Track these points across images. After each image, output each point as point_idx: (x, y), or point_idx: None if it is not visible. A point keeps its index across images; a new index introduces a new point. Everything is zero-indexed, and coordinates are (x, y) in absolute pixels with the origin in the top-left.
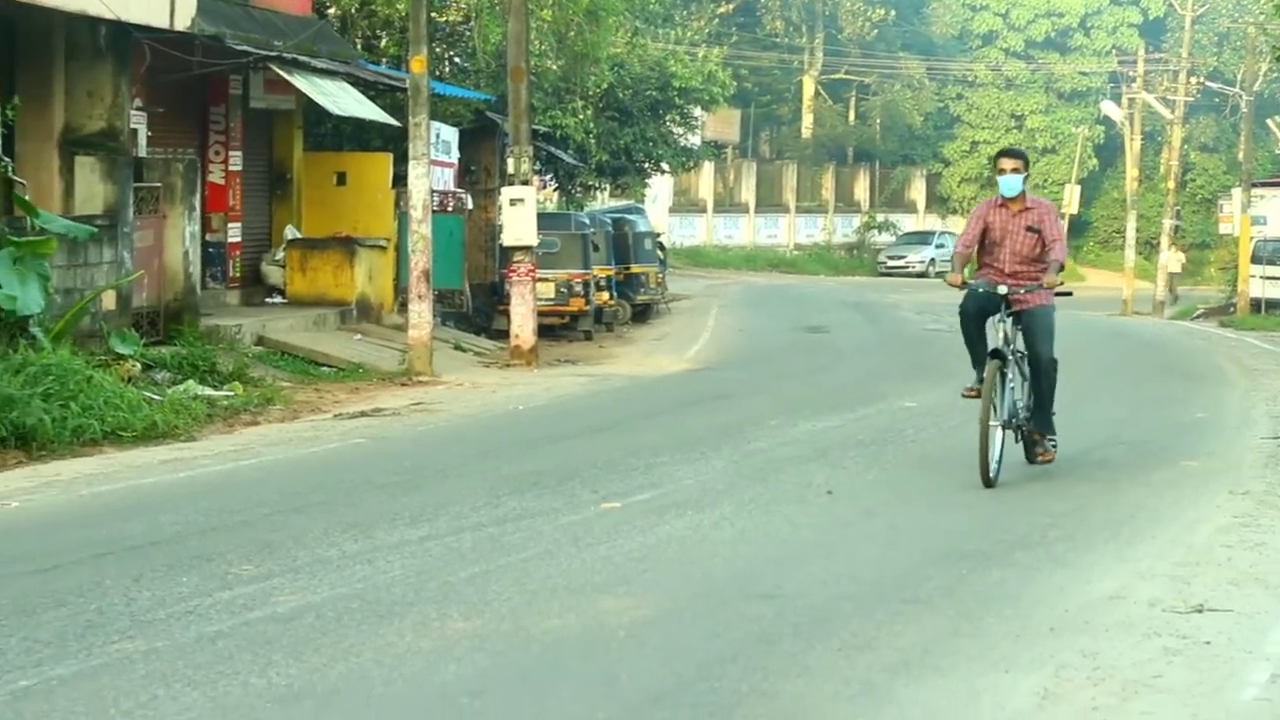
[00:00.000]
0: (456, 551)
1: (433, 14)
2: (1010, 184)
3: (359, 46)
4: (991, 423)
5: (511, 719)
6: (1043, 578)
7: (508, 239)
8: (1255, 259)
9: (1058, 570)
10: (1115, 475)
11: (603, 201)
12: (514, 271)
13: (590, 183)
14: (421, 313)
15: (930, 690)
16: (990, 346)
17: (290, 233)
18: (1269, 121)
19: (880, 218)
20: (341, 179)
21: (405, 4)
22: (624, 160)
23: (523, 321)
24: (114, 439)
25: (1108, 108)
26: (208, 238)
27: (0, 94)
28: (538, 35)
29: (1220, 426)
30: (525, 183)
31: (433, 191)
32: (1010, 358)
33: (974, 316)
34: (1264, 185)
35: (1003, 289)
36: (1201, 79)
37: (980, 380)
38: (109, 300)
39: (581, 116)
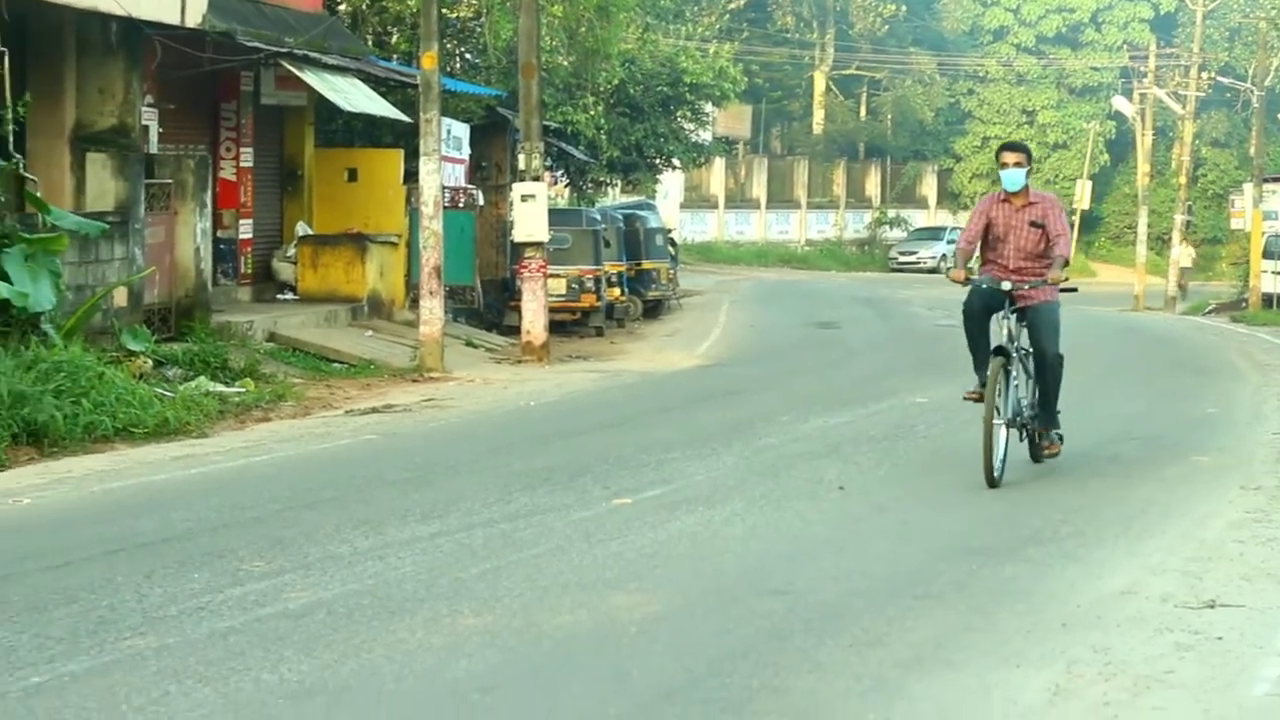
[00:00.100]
0: (468, 548)
1: (444, 10)
2: (1013, 178)
3: (370, 43)
4: (995, 422)
5: (523, 715)
6: (1054, 573)
7: (519, 235)
8: (1267, 254)
9: (1069, 566)
10: (1127, 470)
11: (614, 197)
12: (525, 267)
13: (601, 179)
14: (433, 309)
15: (942, 685)
16: (994, 344)
17: (302, 229)
18: None
19: (891, 213)
20: (353, 175)
21: (416, 0)
22: (635, 156)
23: (534, 317)
24: (125, 435)
25: (1119, 103)
26: (219, 234)
27: (12, 91)
28: (549, 31)
29: (1232, 422)
30: (536, 179)
31: (444, 188)
32: (1014, 355)
33: (977, 316)
34: (1275, 180)
35: (1006, 285)
36: (1213, 74)
37: (982, 383)
38: (120, 297)
39: (593, 112)
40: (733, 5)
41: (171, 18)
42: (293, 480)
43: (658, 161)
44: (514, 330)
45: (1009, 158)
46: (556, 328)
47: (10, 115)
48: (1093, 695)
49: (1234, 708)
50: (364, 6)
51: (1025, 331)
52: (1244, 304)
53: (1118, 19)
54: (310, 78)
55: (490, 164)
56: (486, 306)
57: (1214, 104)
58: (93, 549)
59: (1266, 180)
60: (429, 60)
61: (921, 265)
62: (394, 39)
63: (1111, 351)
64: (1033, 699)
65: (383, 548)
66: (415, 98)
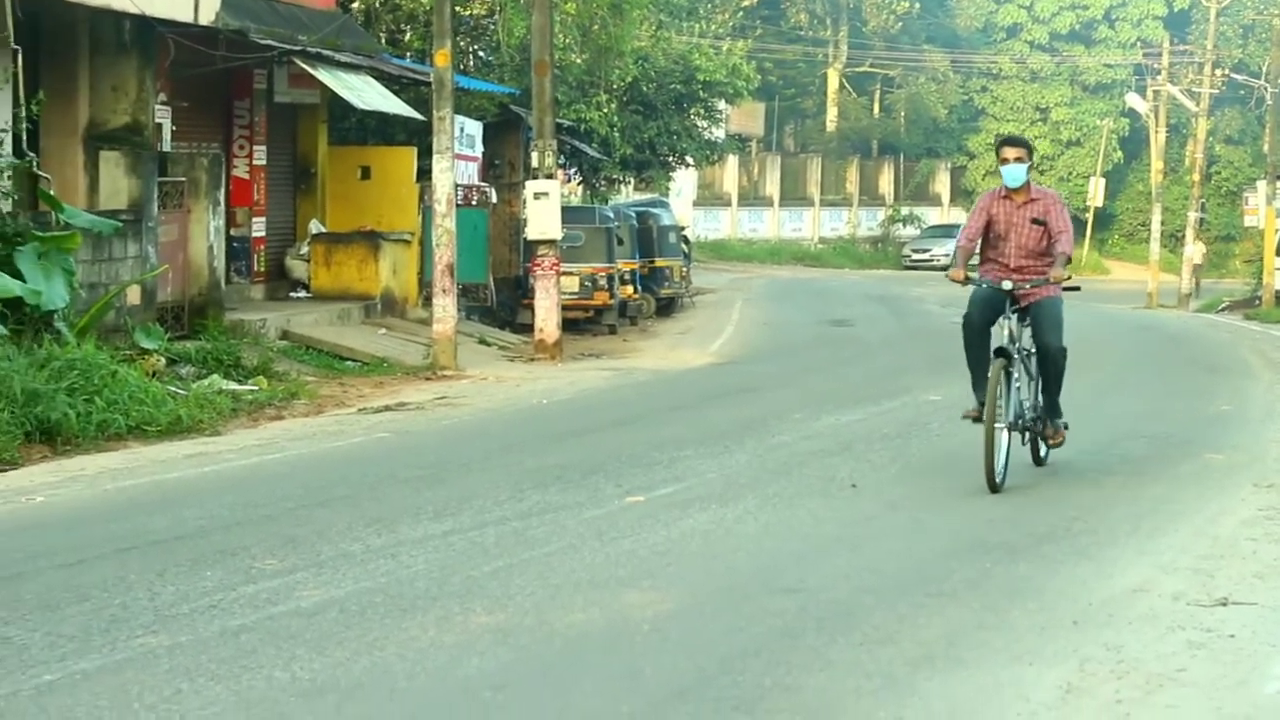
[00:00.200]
0: (480, 546)
1: (457, 8)
2: (1014, 173)
3: (383, 40)
4: (997, 425)
5: (534, 713)
6: (1066, 571)
7: (532, 233)
8: None
9: (1081, 563)
10: (1139, 468)
11: (627, 195)
12: (538, 265)
13: (614, 176)
14: (446, 307)
15: (953, 683)
16: (995, 344)
17: (315, 227)
18: None
19: (905, 211)
20: (366, 173)
21: None
22: (648, 154)
23: (547, 315)
24: (138, 434)
25: (1132, 100)
26: (232, 232)
27: (25, 89)
28: (562, 29)
29: (1245, 419)
30: (549, 176)
31: (457, 185)
32: (1015, 356)
33: (978, 329)
34: None
35: (1007, 285)
36: (1226, 71)
37: (981, 403)
38: (133, 295)
39: (606, 110)
40: (746, 3)
41: (185, 15)
42: (305, 478)
43: (671, 159)
44: (527, 328)
45: (1009, 152)
46: (569, 325)
47: (24, 113)
48: (1105, 693)
49: (1247, 705)
50: (377, 4)
51: (1027, 331)
52: (1257, 301)
53: (1131, 16)
54: (323, 75)
55: (503, 162)
56: (499, 304)
57: (1227, 101)
58: (105, 547)
59: None
60: (442, 58)
61: (935, 263)
62: (407, 36)
63: (1124, 349)
64: (1045, 697)
65: (395, 546)
66: (428, 95)
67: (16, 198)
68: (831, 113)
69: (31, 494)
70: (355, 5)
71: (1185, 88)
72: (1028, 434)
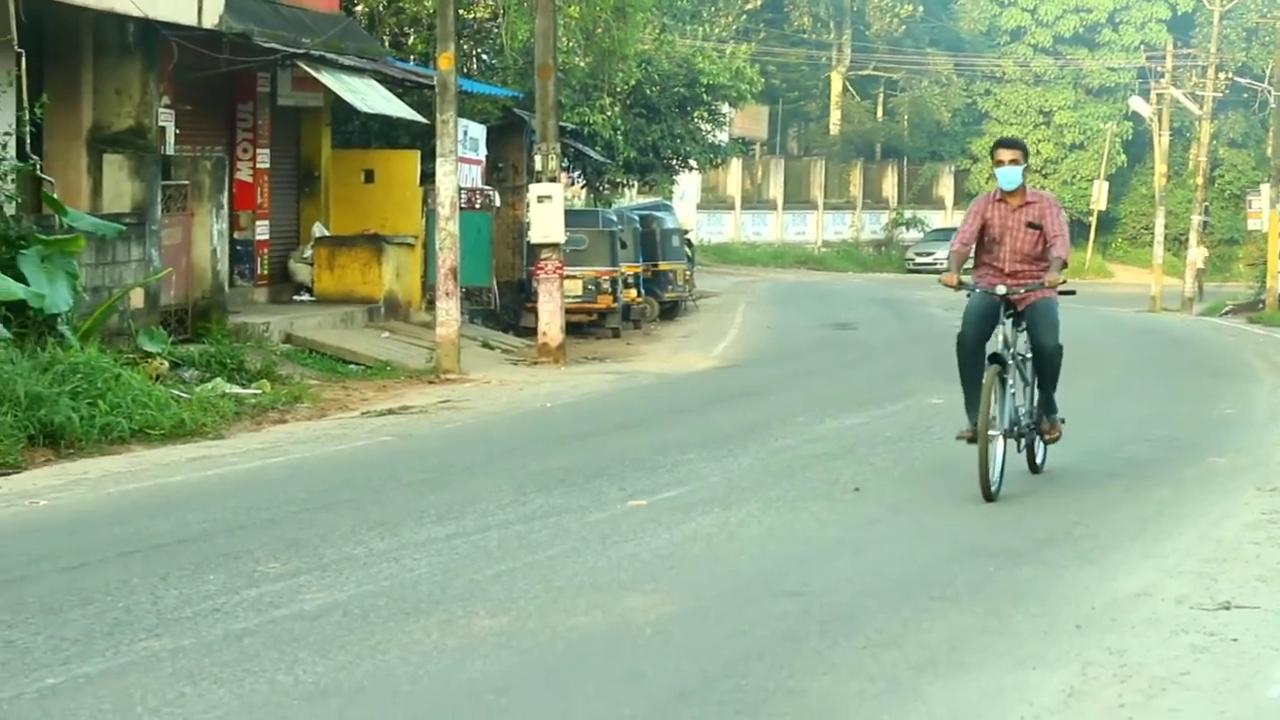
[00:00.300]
0: (483, 549)
1: (460, 11)
2: (1009, 176)
3: (387, 44)
4: (991, 433)
5: (537, 716)
6: (1069, 575)
7: (535, 236)
8: None
9: (1085, 567)
10: (1142, 472)
11: (630, 198)
12: (542, 269)
13: (618, 180)
14: (449, 310)
15: (956, 688)
16: (990, 351)
17: (318, 230)
18: None
19: (908, 214)
20: (369, 176)
21: (433, 1)
22: (652, 157)
23: (550, 319)
24: (142, 437)
25: (1136, 103)
26: (236, 235)
27: (29, 92)
28: (565, 32)
29: (1248, 423)
30: (553, 180)
31: (460, 189)
32: (1010, 362)
33: (972, 348)
34: None
35: (1001, 290)
36: (1230, 74)
37: (975, 424)
38: (137, 298)
39: (609, 113)
40: (749, 6)
41: (188, 19)
42: (308, 482)
43: (674, 162)
44: (530, 331)
45: (1005, 155)
46: (573, 329)
47: (27, 116)
48: (1108, 697)
49: (1250, 709)
50: (381, 7)
51: (1022, 336)
52: (1261, 305)
53: (1135, 19)
54: (327, 79)
55: (507, 165)
56: (503, 308)
57: (1231, 104)
58: (108, 550)
59: None
60: (445, 61)
61: (938, 266)
62: (411, 40)
63: (1128, 352)
64: (1048, 701)
65: (398, 549)
66: (432, 99)
67: (20, 201)
68: (835, 116)
69: (34, 497)
70: (359, 8)
71: (1189, 91)
72: (1023, 441)
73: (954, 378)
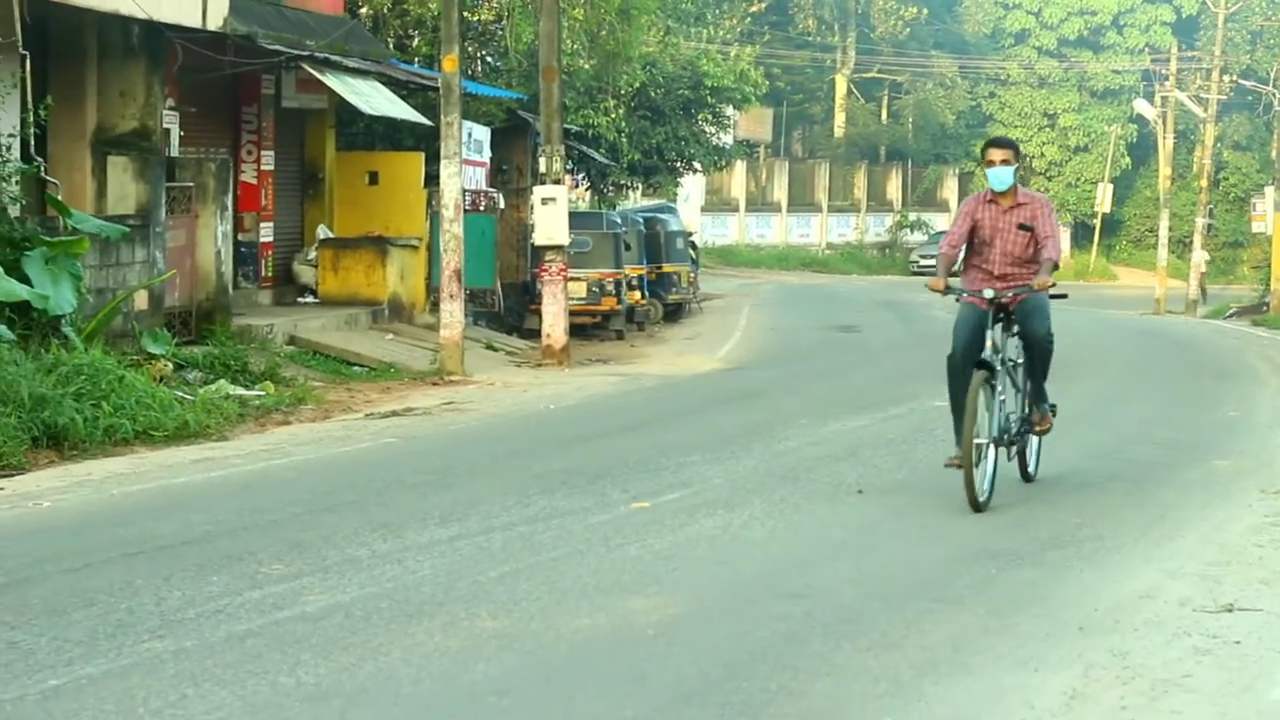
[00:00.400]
0: (486, 551)
1: (465, 13)
2: (1000, 176)
3: (391, 46)
4: (978, 441)
5: (539, 718)
6: (1072, 577)
7: (540, 238)
8: None
9: (1087, 569)
10: (1145, 474)
11: (635, 201)
12: (546, 271)
13: (622, 182)
14: (453, 312)
15: (959, 689)
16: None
17: (322, 232)
18: None
19: (912, 217)
20: (374, 178)
21: (437, 3)
22: (656, 159)
23: (554, 321)
24: (145, 438)
25: (1140, 106)
26: (240, 237)
27: (33, 94)
28: (570, 34)
29: (1252, 425)
30: (557, 182)
31: (465, 191)
32: (999, 369)
33: (963, 368)
34: None
35: (989, 293)
36: (1234, 77)
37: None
38: (141, 300)
39: (613, 115)
40: (754, 8)
41: (193, 21)
42: (312, 483)
43: (678, 164)
44: (534, 333)
45: (996, 155)
46: (577, 331)
47: (32, 118)
48: (1110, 699)
49: (1252, 712)
50: (385, 9)
51: (1012, 341)
52: (1265, 307)
53: (1139, 22)
54: (331, 81)
55: (511, 167)
56: (507, 310)
57: (1235, 107)
58: (112, 552)
59: None
60: (450, 63)
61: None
62: (415, 42)
63: (1131, 355)
64: (1050, 702)
65: (401, 551)
66: (436, 101)
67: (24, 203)
68: (839, 118)
69: (38, 499)
70: (363, 11)
71: (1193, 94)
72: (1014, 449)
73: None
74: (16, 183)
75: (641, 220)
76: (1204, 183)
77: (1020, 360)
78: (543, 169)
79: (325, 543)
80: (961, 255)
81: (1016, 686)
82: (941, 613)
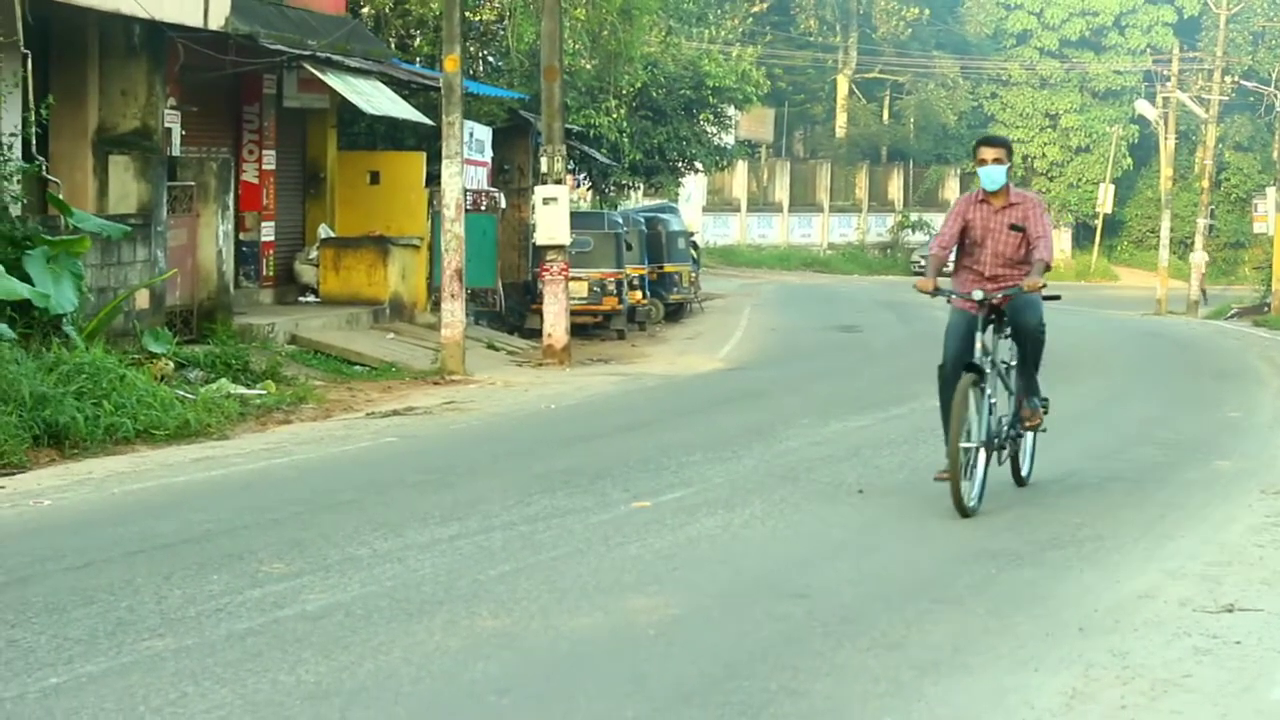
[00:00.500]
0: (487, 550)
1: (466, 13)
2: (992, 175)
3: (393, 45)
4: (966, 445)
5: (539, 717)
6: (1073, 577)
7: (541, 238)
8: None
9: (1088, 570)
10: (1146, 474)
11: (636, 201)
12: (547, 270)
13: (624, 182)
14: (454, 312)
15: (959, 689)
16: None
17: (324, 232)
18: None
19: (914, 217)
20: (375, 178)
21: (439, 3)
22: (657, 159)
23: (555, 320)
24: (146, 437)
25: (1142, 107)
26: (241, 236)
27: (35, 93)
28: (571, 34)
29: (1253, 426)
30: (559, 182)
31: (466, 190)
32: (988, 371)
33: (953, 379)
34: None
35: (978, 294)
36: (1236, 78)
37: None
38: (142, 299)
39: (615, 115)
40: (756, 9)
41: (194, 20)
42: (313, 482)
43: (680, 165)
44: (535, 333)
45: (987, 153)
46: (578, 331)
47: (33, 117)
48: (1110, 699)
49: (1251, 712)
50: (387, 9)
51: (1004, 343)
52: (1266, 308)
53: (1141, 22)
54: (333, 80)
55: (512, 167)
56: (508, 309)
57: (1237, 108)
58: (112, 550)
59: None
60: (451, 63)
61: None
62: (416, 42)
63: (1132, 355)
64: (1050, 702)
65: (402, 550)
66: (438, 100)
67: (26, 201)
68: (841, 119)
69: (39, 497)
70: (365, 10)
71: (1195, 94)
72: (1004, 453)
73: None
74: (18, 181)
75: (643, 220)
76: (1205, 183)
77: (1013, 362)
78: (544, 169)
79: (326, 541)
80: (953, 256)
81: (1017, 686)
82: (942, 613)
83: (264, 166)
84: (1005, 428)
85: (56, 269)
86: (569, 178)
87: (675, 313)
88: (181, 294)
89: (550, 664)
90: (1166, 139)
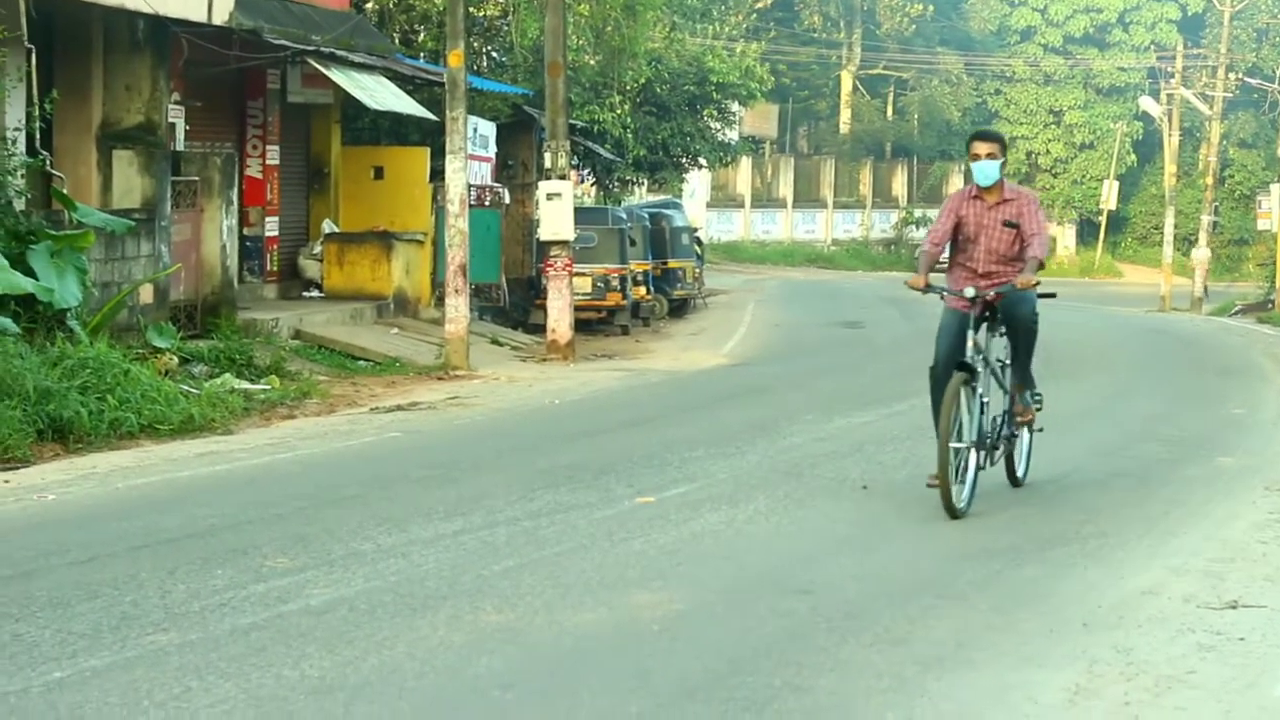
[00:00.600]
0: (490, 545)
1: (470, 8)
2: (985, 170)
3: (397, 41)
4: (956, 445)
5: (543, 713)
6: (1076, 573)
7: (545, 234)
8: None
9: (1091, 566)
10: (1149, 471)
11: (640, 196)
12: (551, 266)
13: (628, 178)
14: (458, 307)
15: (962, 685)
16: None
17: (328, 227)
18: None
19: (918, 213)
20: (379, 173)
21: None
22: (661, 155)
23: (559, 316)
24: (150, 432)
25: (1146, 103)
26: (245, 232)
27: (39, 88)
28: (575, 30)
29: (1257, 422)
30: (563, 177)
31: (470, 186)
32: (980, 370)
33: (945, 380)
34: None
35: (970, 292)
36: (1240, 75)
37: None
38: (146, 294)
39: (619, 111)
40: (760, 5)
41: (198, 15)
42: (317, 477)
43: (684, 160)
44: (539, 329)
45: (981, 148)
46: (582, 326)
47: (37, 112)
48: (1114, 695)
49: (1255, 708)
50: (391, 4)
51: (999, 341)
52: (1270, 305)
53: (1145, 19)
54: (337, 76)
55: (516, 162)
56: (512, 305)
57: (1241, 105)
58: (117, 545)
59: None
60: (455, 58)
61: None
62: (421, 37)
63: (1136, 351)
64: (1053, 699)
65: (406, 545)
66: (442, 96)
67: (30, 196)
68: (845, 115)
69: (43, 492)
70: (369, 5)
71: (1199, 91)
72: (998, 453)
73: None
74: (22, 176)
75: (647, 216)
76: (1209, 180)
77: (1007, 360)
78: (548, 164)
79: (330, 536)
80: (947, 253)
81: (1020, 683)
82: (945, 609)
83: (268, 162)
84: (999, 427)
85: (61, 264)
86: (573, 173)
87: (679, 308)
88: (185, 289)
89: (554, 659)
90: (1170, 136)
